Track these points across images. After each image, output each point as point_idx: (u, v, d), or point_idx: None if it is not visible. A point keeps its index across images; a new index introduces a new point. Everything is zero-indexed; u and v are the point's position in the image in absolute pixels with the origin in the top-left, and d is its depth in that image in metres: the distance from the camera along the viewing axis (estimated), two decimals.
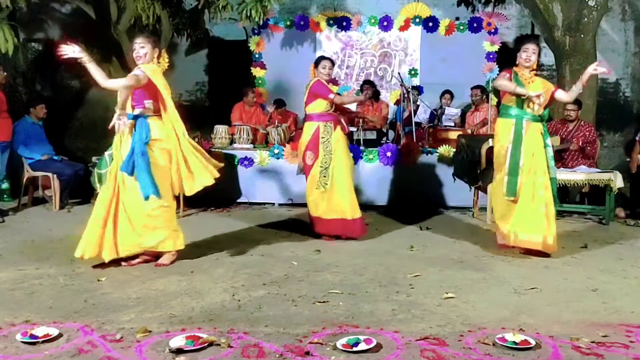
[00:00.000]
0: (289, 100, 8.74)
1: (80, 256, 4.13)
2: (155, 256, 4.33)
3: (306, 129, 5.22)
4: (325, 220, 5.16)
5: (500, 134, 4.68)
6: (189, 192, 4.47)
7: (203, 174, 4.38)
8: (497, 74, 8.71)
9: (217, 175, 4.43)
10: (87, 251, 4.12)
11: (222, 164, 4.57)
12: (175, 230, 4.34)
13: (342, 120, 5.26)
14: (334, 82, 5.61)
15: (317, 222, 5.21)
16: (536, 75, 4.69)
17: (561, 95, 4.76)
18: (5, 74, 6.52)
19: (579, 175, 6.06)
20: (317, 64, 5.24)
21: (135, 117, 4.16)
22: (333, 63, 5.32)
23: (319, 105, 5.14)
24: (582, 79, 4.62)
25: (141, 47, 4.22)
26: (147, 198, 4.10)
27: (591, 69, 4.62)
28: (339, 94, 5.52)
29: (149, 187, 4.10)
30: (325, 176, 5.10)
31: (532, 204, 4.51)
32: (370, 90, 8.26)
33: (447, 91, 8.57)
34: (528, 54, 4.58)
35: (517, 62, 4.67)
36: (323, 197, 5.13)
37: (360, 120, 7.33)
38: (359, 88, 8.51)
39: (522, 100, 4.56)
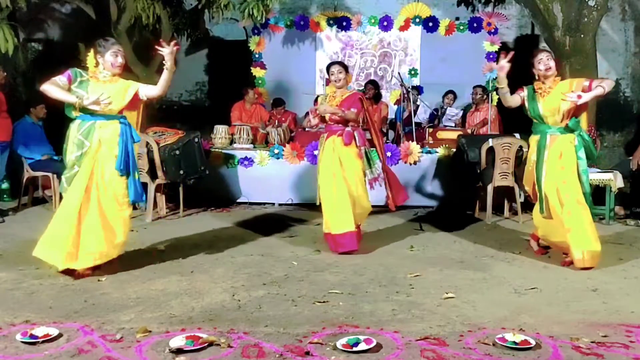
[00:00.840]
0: (289, 100, 8.75)
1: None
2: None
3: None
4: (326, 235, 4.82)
5: (530, 152, 4.55)
6: None
7: None
8: (497, 75, 8.77)
9: None
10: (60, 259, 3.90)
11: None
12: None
13: (347, 133, 4.74)
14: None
15: (326, 240, 4.84)
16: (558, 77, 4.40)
17: (597, 86, 4.22)
18: (5, 74, 6.51)
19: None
20: (327, 70, 4.93)
21: (117, 118, 4.07)
22: (344, 67, 4.89)
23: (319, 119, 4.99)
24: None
25: (122, 56, 4.07)
26: (134, 202, 4.04)
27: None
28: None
29: (139, 192, 4.04)
30: (318, 189, 4.84)
31: (561, 218, 4.25)
32: (372, 90, 8.26)
33: (450, 91, 8.57)
34: (546, 62, 4.29)
35: (536, 76, 4.40)
36: (324, 211, 4.80)
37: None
38: (362, 88, 8.50)
39: (539, 116, 4.36)
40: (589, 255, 4.15)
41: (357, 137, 4.79)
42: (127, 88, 4.10)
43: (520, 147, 6.12)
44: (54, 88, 3.96)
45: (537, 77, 4.41)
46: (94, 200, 3.96)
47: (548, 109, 4.33)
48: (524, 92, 4.44)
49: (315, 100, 5.06)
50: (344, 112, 4.71)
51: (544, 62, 4.31)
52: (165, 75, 4.08)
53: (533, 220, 4.68)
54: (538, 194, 4.40)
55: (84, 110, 3.96)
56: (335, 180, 4.67)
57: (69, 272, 3.94)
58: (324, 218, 4.77)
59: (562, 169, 4.28)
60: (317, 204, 4.90)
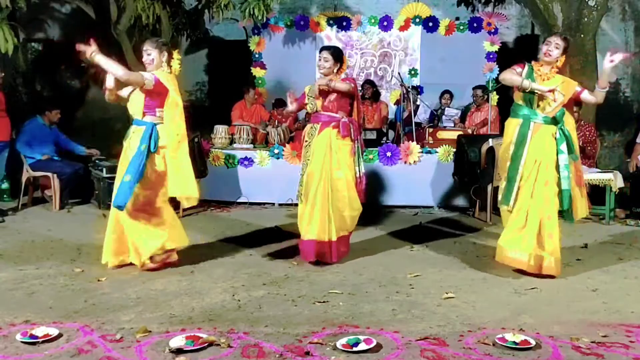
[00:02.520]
0: (286, 99, 8.74)
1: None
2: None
3: (304, 132, 4.64)
4: (303, 242, 4.38)
5: (505, 134, 4.26)
6: (171, 193, 4.21)
7: (189, 183, 4.18)
8: (498, 74, 8.77)
9: (196, 196, 4.20)
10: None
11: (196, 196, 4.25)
12: (166, 228, 4.25)
13: (343, 123, 4.34)
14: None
15: (299, 246, 4.46)
16: (558, 73, 4.17)
17: (588, 96, 4.14)
18: (4, 74, 6.51)
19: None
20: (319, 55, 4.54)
21: (143, 124, 4.10)
22: (333, 55, 4.40)
23: (308, 107, 4.54)
24: (604, 75, 4.05)
25: (147, 54, 4.16)
26: (117, 207, 4.01)
27: (607, 62, 3.98)
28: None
29: (125, 197, 3.97)
30: (301, 185, 4.40)
31: (525, 216, 4.03)
32: (370, 90, 8.26)
33: (447, 91, 8.57)
34: (549, 47, 4.07)
35: (537, 57, 4.21)
36: (302, 210, 4.38)
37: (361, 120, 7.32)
38: (360, 88, 8.50)
39: (532, 99, 4.07)
40: (550, 261, 3.95)
41: (352, 130, 4.38)
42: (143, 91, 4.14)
43: None
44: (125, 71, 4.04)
45: (538, 58, 4.19)
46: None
47: (545, 99, 4.07)
48: (524, 70, 4.13)
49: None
50: (332, 82, 4.29)
51: (549, 47, 4.07)
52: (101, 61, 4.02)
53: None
54: (507, 184, 4.13)
55: (130, 116, 4.25)
56: (324, 183, 4.29)
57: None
58: (306, 221, 4.37)
59: (536, 163, 4.03)
60: (299, 202, 4.48)
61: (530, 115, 4.09)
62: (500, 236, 4.20)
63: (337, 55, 4.47)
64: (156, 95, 4.08)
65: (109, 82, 4.13)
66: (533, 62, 4.18)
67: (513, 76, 4.08)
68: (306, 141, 4.47)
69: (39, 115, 6.96)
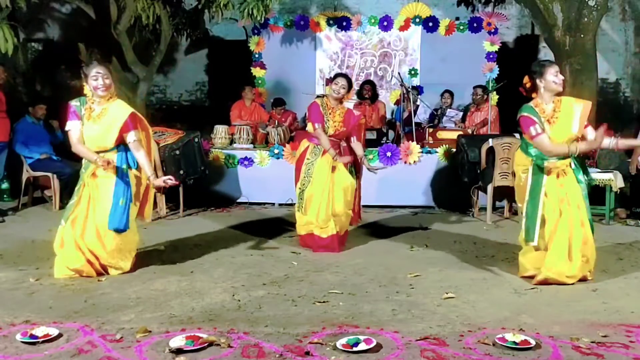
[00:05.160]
0: (289, 99, 8.75)
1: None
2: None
3: (300, 147, 5.01)
4: (301, 236, 4.94)
5: (516, 163, 4.08)
6: (148, 218, 4.48)
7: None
8: (497, 74, 8.78)
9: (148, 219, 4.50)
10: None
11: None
12: (134, 246, 4.24)
13: (342, 148, 4.91)
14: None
15: (299, 239, 4.97)
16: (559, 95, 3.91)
17: (590, 136, 3.88)
18: (6, 73, 6.51)
19: (591, 175, 6.01)
20: (333, 80, 4.91)
21: (112, 150, 4.01)
22: (350, 83, 4.88)
23: (311, 128, 4.83)
24: (628, 143, 4.10)
25: (105, 79, 3.93)
26: (114, 230, 3.94)
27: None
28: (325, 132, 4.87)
29: (120, 219, 3.93)
30: (301, 199, 4.81)
31: (567, 242, 3.80)
32: (370, 91, 8.26)
33: (447, 91, 8.57)
34: (560, 77, 3.83)
35: (540, 89, 3.86)
36: (301, 218, 4.86)
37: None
38: (359, 88, 8.51)
39: None
40: (590, 274, 3.90)
41: (346, 154, 4.93)
42: (112, 127, 3.95)
43: None
44: (80, 149, 3.99)
45: (537, 91, 3.88)
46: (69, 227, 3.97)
47: (559, 138, 3.81)
48: (537, 123, 3.78)
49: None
50: (343, 158, 4.83)
51: (559, 75, 3.83)
52: (145, 166, 4.02)
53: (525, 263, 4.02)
54: (527, 220, 3.91)
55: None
56: (327, 199, 4.74)
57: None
58: (303, 223, 4.83)
59: (561, 187, 3.85)
60: (300, 212, 4.84)
61: (541, 156, 3.86)
62: (531, 264, 3.94)
63: (351, 84, 4.94)
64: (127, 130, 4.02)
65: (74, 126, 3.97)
66: (532, 104, 3.88)
67: (558, 148, 3.78)
68: (308, 159, 4.83)
69: (27, 114, 6.95)
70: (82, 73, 4.01)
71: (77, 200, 4.01)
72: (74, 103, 4.02)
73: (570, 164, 3.89)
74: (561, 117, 3.83)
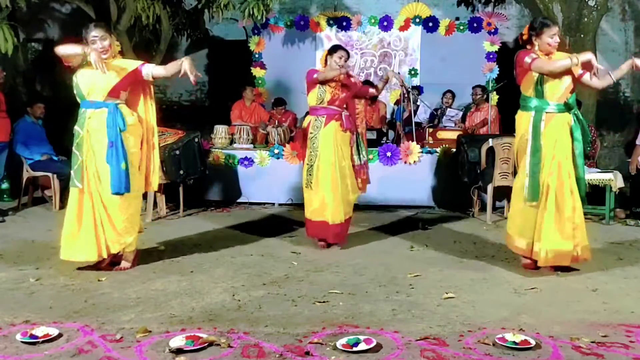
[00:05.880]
0: (289, 100, 8.76)
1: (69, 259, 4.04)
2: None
3: (304, 122, 4.99)
4: (311, 222, 4.86)
5: (518, 127, 4.12)
6: (155, 187, 4.42)
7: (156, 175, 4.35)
8: (497, 74, 8.78)
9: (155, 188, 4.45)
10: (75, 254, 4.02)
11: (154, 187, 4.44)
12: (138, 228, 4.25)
13: (344, 116, 4.78)
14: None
15: (306, 224, 4.95)
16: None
17: (589, 79, 4.00)
18: (5, 73, 6.51)
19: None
20: (332, 52, 4.81)
21: (104, 105, 3.97)
22: (349, 54, 4.89)
23: (311, 98, 4.81)
24: (622, 70, 4.09)
25: (103, 40, 3.92)
26: (115, 194, 3.94)
27: (632, 64, 4.00)
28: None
29: (121, 183, 3.94)
30: (310, 174, 4.77)
31: (557, 212, 3.94)
32: None
33: (449, 91, 8.57)
34: (556, 40, 3.95)
35: (536, 47, 3.99)
36: (311, 196, 4.82)
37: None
38: None
39: (542, 90, 3.92)
40: (581, 249, 4.00)
41: (350, 122, 4.84)
42: (122, 67, 3.98)
43: None
44: (64, 46, 3.92)
45: (536, 48, 4.00)
46: (87, 194, 3.99)
47: (555, 87, 3.94)
48: (533, 53, 3.94)
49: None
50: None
51: (555, 37, 3.95)
52: (174, 65, 4.00)
53: (511, 211, 4.23)
54: (530, 179, 3.97)
55: (81, 98, 4.03)
56: (335, 171, 4.71)
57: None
58: (320, 206, 4.76)
59: (553, 158, 3.95)
60: (307, 188, 4.82)
61: (542, 105, 3.95)
62: (529, 240, 4.05)
63: (348, 54, 4.91)
64: (131, 81, 4.03)
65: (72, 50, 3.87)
66: (531, 50, 4.00)
67: (560, 62, 3.87)
68: (311, 133, 4.79)
69: (26, 114, 6.95)
70: (83, 39, 3.99)
71: (83, 161, 4.00)
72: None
73: (570, 120, 3.96)
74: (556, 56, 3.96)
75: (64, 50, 3.91)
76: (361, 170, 4.95)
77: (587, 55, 3.92)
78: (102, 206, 4.00)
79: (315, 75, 4.74)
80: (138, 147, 4.14)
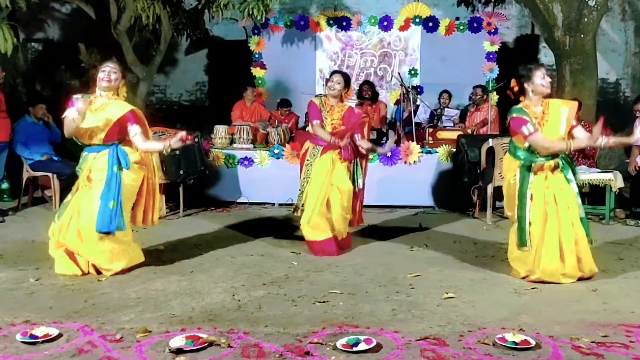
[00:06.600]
0: (290, 100, 8.75)
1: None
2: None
3: (303, 147, 4.96)
4: (309, 242, 4.78)
5: (506, 171, 4.15)
6: (156, 223, 4.45)
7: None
8: (497, 74, 8.78)
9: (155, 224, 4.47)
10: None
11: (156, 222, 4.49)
12: (134, 249, 4.21)
13: (344, 148, 4.72)
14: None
15: (308, 245, 4.80)
16: (546, 97, 3.95)
17: (580, 135, 3.91)
18: (4, 74, 6.51)
19: (579, 175, 6.04)
20: (329, 77, 4.86)
21: (105, 148, 4.02)
22: (347, 80, 4.83)
23: (311, 128, 4.83)
24: (619, 141, 4.13)
25: (113, 73, 4.04)
26: (100, 232, 3.90)
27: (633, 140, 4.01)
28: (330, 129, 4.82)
29: (104, 221, 3.89)
30: (300, 199, 4.80)
31: (558, 243, 3.84)
32: (369, 91, 8.26)
33: (445, 91, 8.58)
34: (547, 78, 3.87)
35: (529, 92, 3.90)
36: (303, 220, 4.74)
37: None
38: (358, 88, 8.51)
39: (533, 149, 3.89)
40: (589, 272, 3.93)
41: (349, 152, 4.80)
42: (108, 120, 3.98)
43: None
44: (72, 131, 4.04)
45: (525, 94, 3.93)
46: (59, 226, 4.04)
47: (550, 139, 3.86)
48: (529, 123, 3.83)
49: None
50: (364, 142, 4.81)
51: (546, 77, 3.88)
52: (156, 145, 4.06)
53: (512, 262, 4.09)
54: (519, 225, 3.92)
55: (83, 144, 4.13)
56: (323, 195, 4.66)
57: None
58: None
59: (547, 189, 3.89)
60: (298, 212, 4.79)
61: (530, 158, 3.92)
62: (527, 267, 3.94)
63: (347, 80, 4.86)
64: (120, 130, 4.03)
65: (73, 113, 3.90)
66: (521, 106, 3.92)
67: (555, 145, 3.83)
68: (308, 160, 4.79)
69: (26, 114, 6.94)
70: (96, 68, 4.10)
71: (70, 199, 4.07)
72: (76, 96, 4.04)
73: (558, 163, 3.92)
74: (550, 119, 3.89)
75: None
76: (357, 199, 4.93)
77: (582, 144, 3.94)
78: (79, 241, 3.98)
79: (314, 122, 4.71)
80: (137, 183, 4.13)
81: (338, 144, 4.66)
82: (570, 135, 3.92)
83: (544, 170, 3.92)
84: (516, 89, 3.98)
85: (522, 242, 3.90)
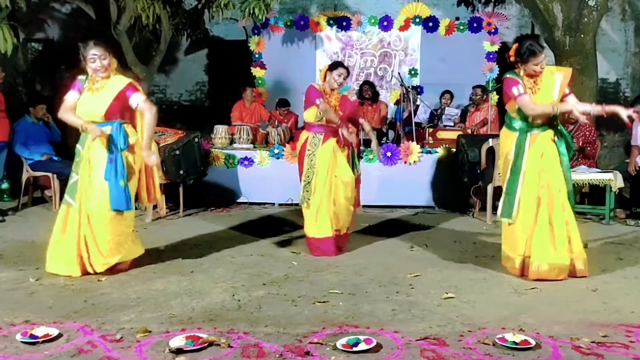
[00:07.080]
0: (289, 100, 8.75)
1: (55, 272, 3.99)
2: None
3: (300, 139, 4.89)
4: (309, 238, 4.76)
5: (502, 145, 4.18)
6: (153, 201, 4.49)
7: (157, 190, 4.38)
8: (497, 74, 8.79)
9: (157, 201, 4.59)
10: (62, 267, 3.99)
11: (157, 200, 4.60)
12: (134, 240, 4.20)
13: (343, 132, 4.70)
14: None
15: (308, 243, 4.77)
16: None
17: (571, 101, 3.99)
18: (4, 74, 6.50)
19: (579, 175, 6.05)
20: (332, 68, 4.76)
21: (108, 124, 3.98)
22: (348, 72, 4.86)
23: (310, 114, 4.72)
24: (606, 109, 3.91)
25: (102, 59, 4.00)
26: (116, 210, 3.92)
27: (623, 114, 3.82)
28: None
29: (120, 199, 3.91)
30: (307, 191, 4.69)
31: (549, 226, 3.89)
32: (369, 91, 8.26)
33: (447, 91, 8.59)
34: (543, 66, 3.92)
35: (520, 70, 4.01)
36: (308, 214, 4.71)
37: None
38: (359, 88, 8.51)
39: (526, 115, 3.95)
40: (582, 263, 3.95)
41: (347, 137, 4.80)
42: (108, 95, 3.98)
43: None
44: (66, 116, 4.05)
45: (518, 67, 4.01)
46: (76, 211, 3.98)
47: None
48: (519, 84, 3.93)
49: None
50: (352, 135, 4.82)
51: (540, 65, 3.92)
52: (151, 125, 4.04)
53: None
54: (506, 196, 4.01)
55: None
56: (329, 187, 4.65)
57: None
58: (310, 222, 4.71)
59: (542, 171, 3.93)
60: (304, 205, 4.72)
61: (525, 128, 3.98)
62: (520, 256, 3.97)
63: (348, 72, 4.89)
64: (121, 106, 4.02)
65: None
66: (516, 71, 4.01)
67: (542, 108, 3.88)
68: (309, 150, 4.73)
69: (26, 114, 6.94)
70: (80, 54, 4.06)
71: (78, 179, 4.01)
72: (80, 77, 4.11)
73: (553, 135, 3.98)
74: (543, 86, 3.95)
75: (65, 118, 4.05)
76: (358, 183, 4.95)
77: (568, 106, 3.95)
78: (88, 225, 3.97)
79: (317, 102, 4.62)
80: (137, 167, 4.12)
81: (345, 127, 4.68)
82: (563, 100, 3.97)
83: (539, 144, 3.94)
84: (512, 58, 4.05)
85: (505, 213, 3.98)
